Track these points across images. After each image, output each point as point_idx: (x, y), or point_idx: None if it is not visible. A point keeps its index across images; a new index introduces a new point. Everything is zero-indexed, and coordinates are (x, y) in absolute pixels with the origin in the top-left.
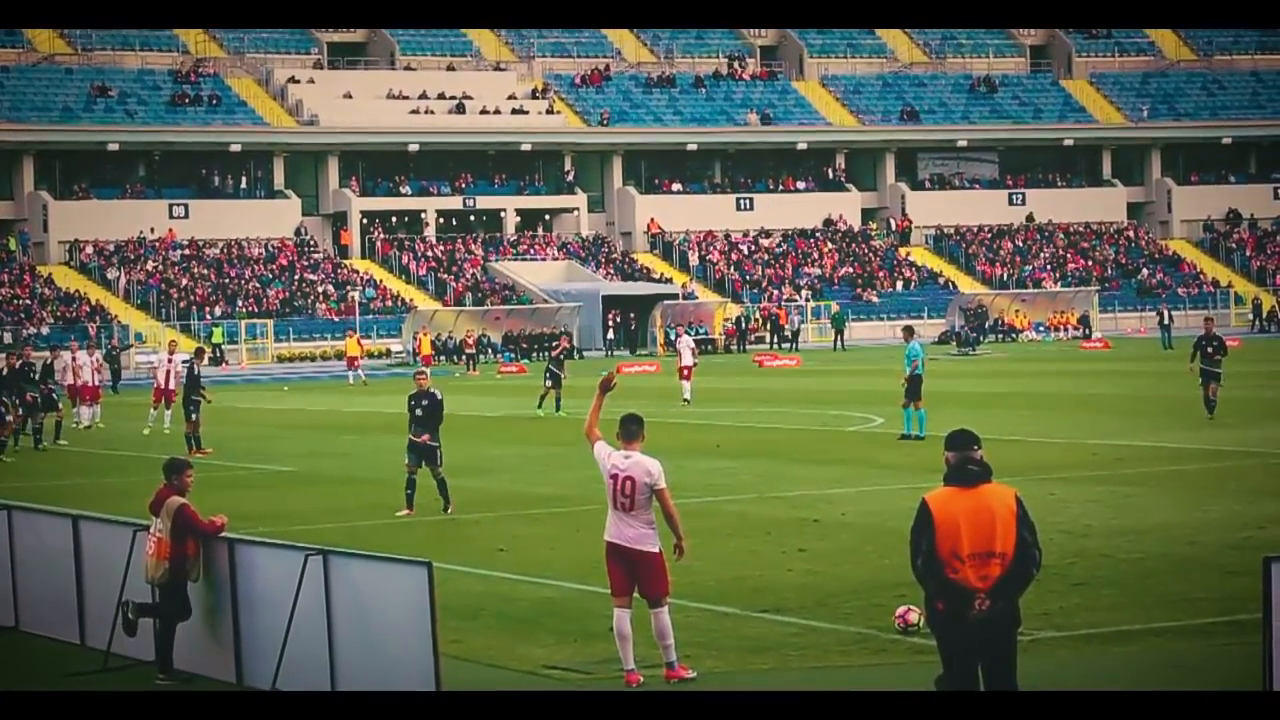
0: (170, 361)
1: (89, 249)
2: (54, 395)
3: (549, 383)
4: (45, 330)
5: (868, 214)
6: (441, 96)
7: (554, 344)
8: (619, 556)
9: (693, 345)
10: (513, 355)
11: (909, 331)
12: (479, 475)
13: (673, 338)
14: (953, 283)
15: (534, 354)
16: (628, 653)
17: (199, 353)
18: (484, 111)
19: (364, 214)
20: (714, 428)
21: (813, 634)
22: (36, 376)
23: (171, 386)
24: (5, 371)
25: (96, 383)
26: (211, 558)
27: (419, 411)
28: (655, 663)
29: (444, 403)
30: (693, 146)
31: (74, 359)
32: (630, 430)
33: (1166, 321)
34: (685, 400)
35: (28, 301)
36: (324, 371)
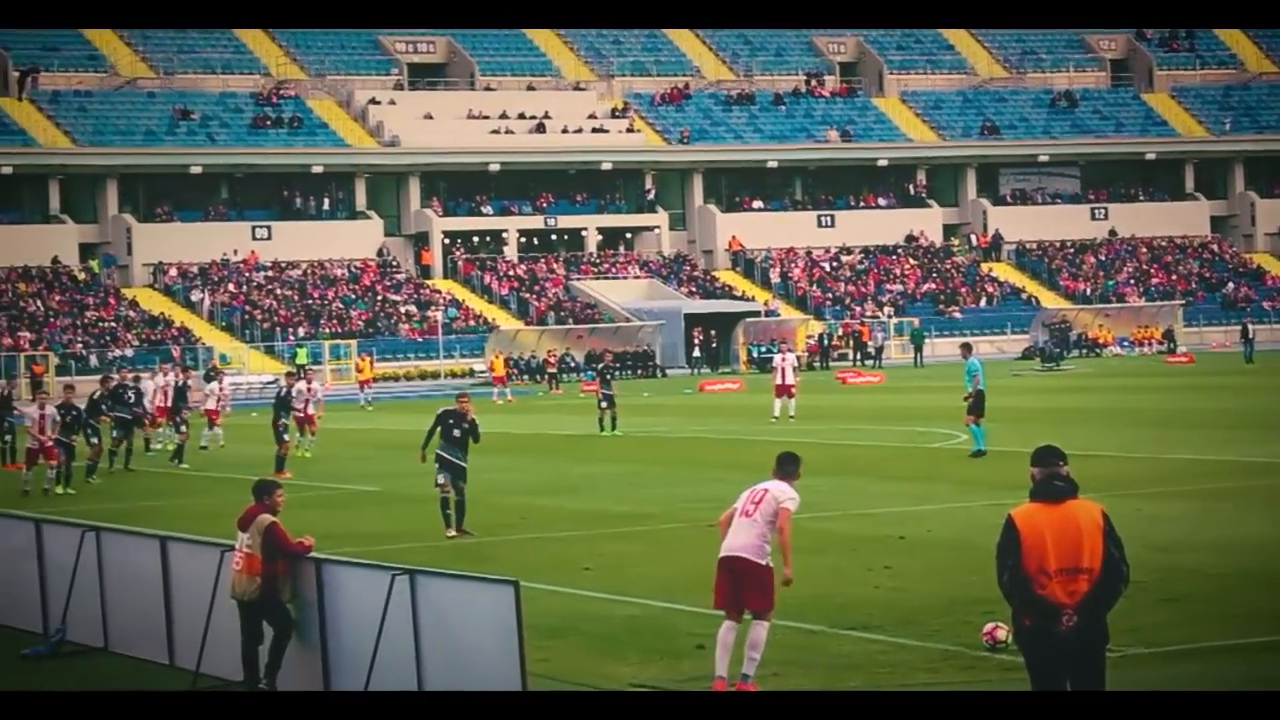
0: (221, 387)
1: (173, 271)
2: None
3: (603, 404)
4: (130, 353)
5: (949, 230)
6: (522, 116)
7: (599, 363)
8: (730, 570)
9: (795, 363)
10: (595, 374)
11: (966, 348)
12: (563, 494)
13: (776, 358)
14: (1035, 298)
15: (616, 372)
16: (723, 661)
17: (290, 375)
18: (564, 131)
19: (446, 234)
20: (797, 445)
21: (900, 651)
22: (132, 399)
23: (216, 408)
24: (98, 394)
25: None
26: (299, 578)
27: (456, 432)
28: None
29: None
30: (773, 164)
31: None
32: (786, 469)
33: (1250, 335)
34: (774, 418)
35: (112, 324)
36: (409, 391)
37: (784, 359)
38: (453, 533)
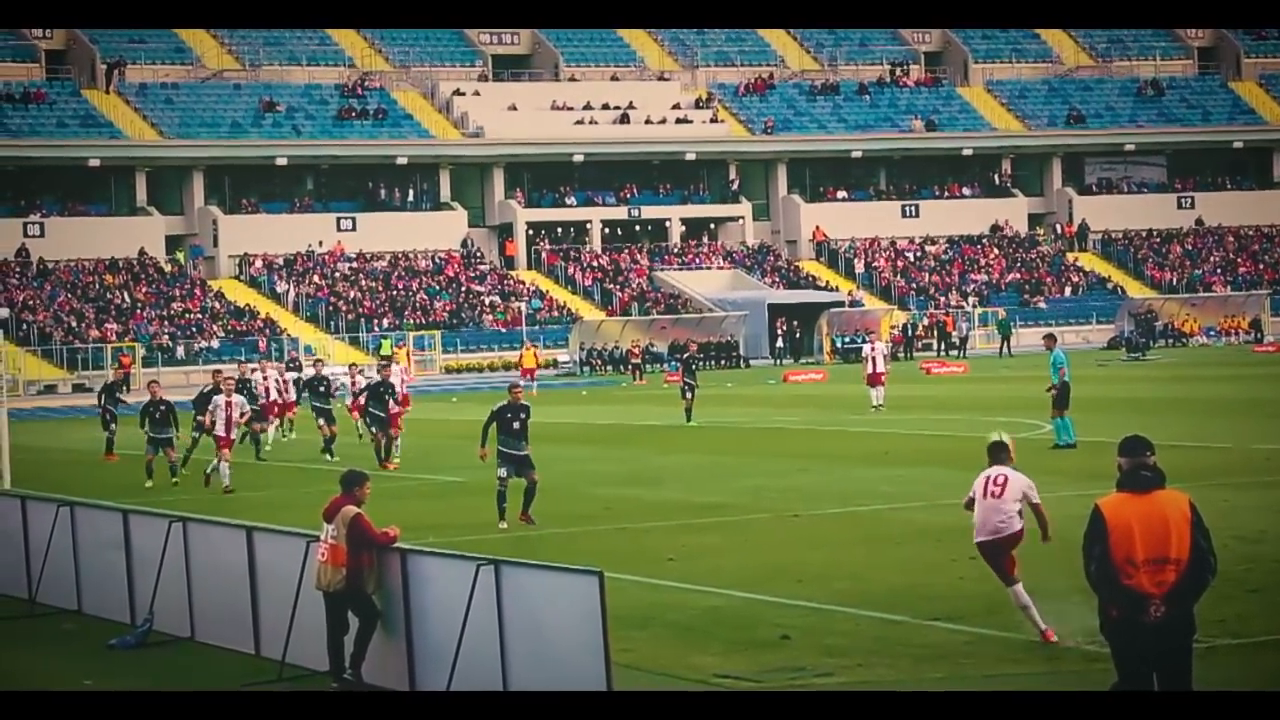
0: (283, 378)
1: (258, 263)
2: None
3: (687, 394)
4: (216, 344)
5: (1034, 219)
6: (606, 107)
7: (684, 353)
8: (992, 550)
9: (885, 352)
10: (679, 365)
11: (1051, 339)
12: (646, 485)
13: (865, 347)
14: (1121, 288)
15: (700, 363)
16: (1035, 617)
17: (383, 365)
18: (648, 121)
19: (529, 225)
20: (883, 435)
21: (985, 642)
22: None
23: (285, 399)
24: (209, 389)
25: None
26: (384, 568)
27: (516, 425)
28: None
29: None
30: (857, 154)
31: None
32: (1000, 456)
33: None
34: (875, 407)
35: (198, 316)
36: (491, 382)
37: (874, 348)
38: (504, 525)
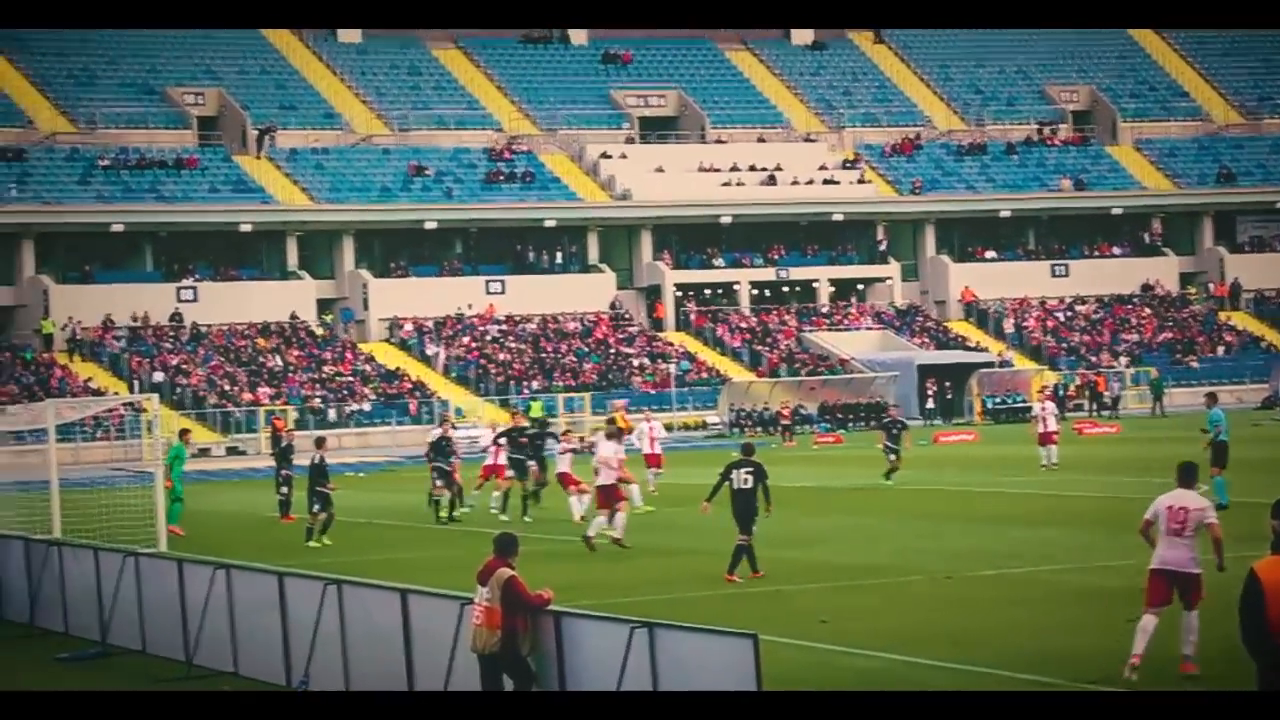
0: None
1: (408, 326)
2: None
3: (891, 456)
4: (367, 407)
5: (1185, 278)
6: (753, 168)
7: (884, 416)
8: (1164, 577)
9: (1056, 411)
10: (829, 425)
11: (1211, 398)
12: (798, 546)
13: (1037, 407)
14: (1275, 346)
15: (849, 424)
16: (1142, 643)
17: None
18: (795, 182)
19: (677, 286)
20: (1033, 497)
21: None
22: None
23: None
24: (318, 460)
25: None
26: (539, 631)
27: (749, 481)
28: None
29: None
30: (1006, 213)
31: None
32: (1188, 479)
33: None
34: (1047, 465)
35: (350, 379)
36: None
37: (1044, 407)
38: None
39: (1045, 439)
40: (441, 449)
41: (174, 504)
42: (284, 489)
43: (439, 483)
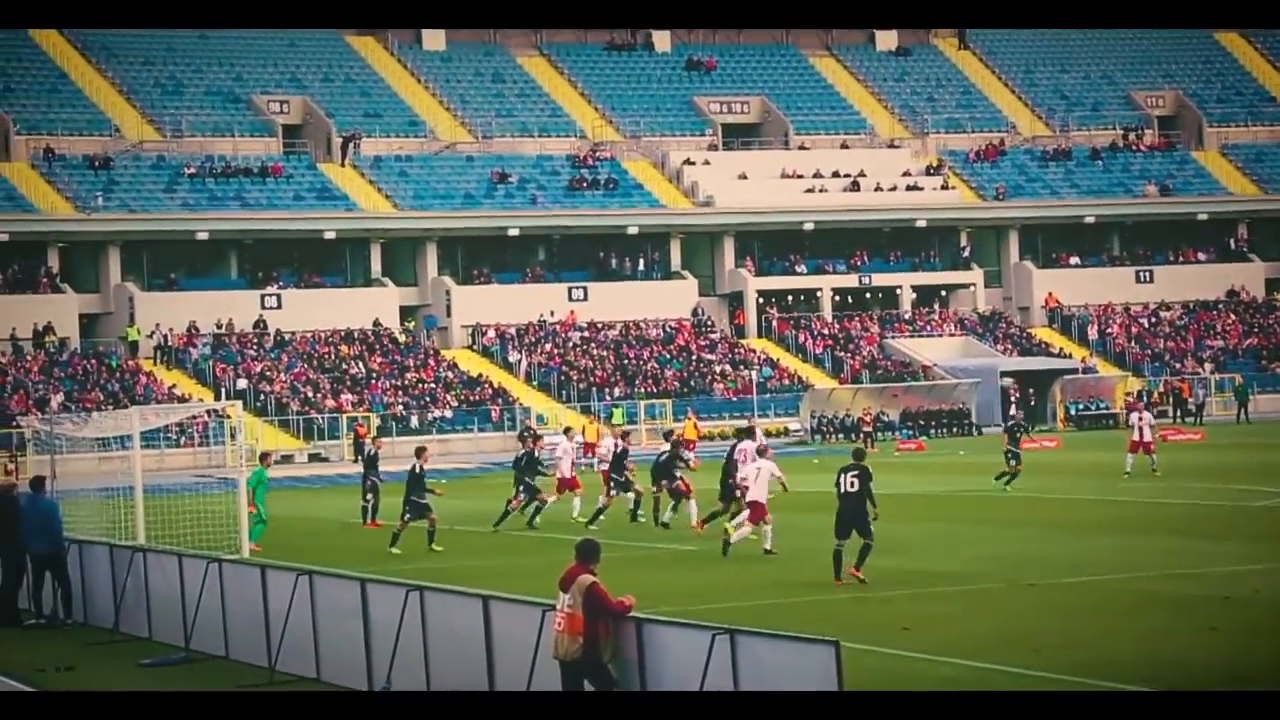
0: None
1: (490, 332)
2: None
3: (1012, 460)
4: (449, 414)
5: (1272, 284)
6: (836, 175)
7: (1010, 419)
8: None
9: (1152, 421)
10: (911, 432)
11: None
12: (881, 553)
13: (1133, 416)
14: None
15: (931, 430)
16: None
17: (625, 435)
18: (878, 189)
19: (760, 293)
20: (1117, 503)
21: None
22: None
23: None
24: (418, 469)
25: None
26: (620, 637)
27: (854, 485)
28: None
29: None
30: (1090, 219)
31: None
32: None
33: None
34: (1127, 473)
35: (432, 385)
36: (718, 450)
37: (1141, 417)
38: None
39: (1136, 446)
40: (529, 464)
41: (257, 524)
42: (369, 496)
43: (522, 495)
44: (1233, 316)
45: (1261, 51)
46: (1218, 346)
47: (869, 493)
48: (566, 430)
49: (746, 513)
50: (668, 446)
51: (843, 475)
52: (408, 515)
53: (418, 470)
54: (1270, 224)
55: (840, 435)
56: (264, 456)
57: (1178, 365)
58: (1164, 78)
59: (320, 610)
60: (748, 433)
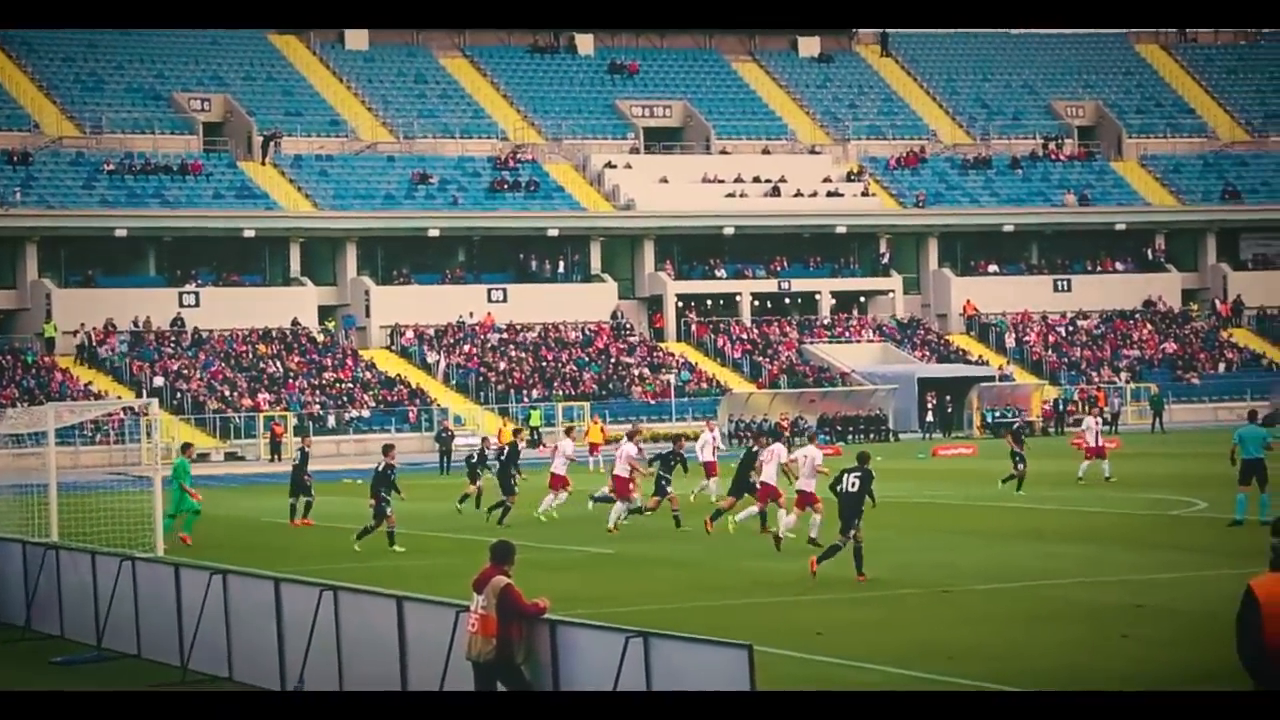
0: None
1: (409, 333)
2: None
3: (1020, 465)
4: (367, 414)
5: (1188, 295)
6: (756, 180)
7: (1014, 422)
8: None
9: (1097, 427)
10: (828, 438)
11: (1251, 415)
12: (796, 558)
13: (1087, 419)
14: (1277, 365)
15: (849, 436)
16: None
17: (516, 433)
18: (799, 194)
19: (679, 297)
20: (1034, 511)
21: None
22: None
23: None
24: (381, 467)
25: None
26: (534, 639)
27: (854, 486)
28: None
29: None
30: (1009, 228)
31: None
32: None
33: None
34: (1105, 478)
35: (350, 385)
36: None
37: (1096, 421)
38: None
39: (1092, 453)
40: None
41: (191, 515)
42: (300, 495)
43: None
44: (1149, 326)
45: (1181, 63)
46: (1134, 356)
47: (870, 493)
48: (569, 430)
49: (755, 506)
50: (668, 446)
51: (846, 475)
52: (376, 514)
53: (383, 469)
54: (1187, 235)
55: (749, 441)
56: (185, 448)
57: (1094, 374)
58: (1084, 88)
59: (233, 609)
60: (774, 434)
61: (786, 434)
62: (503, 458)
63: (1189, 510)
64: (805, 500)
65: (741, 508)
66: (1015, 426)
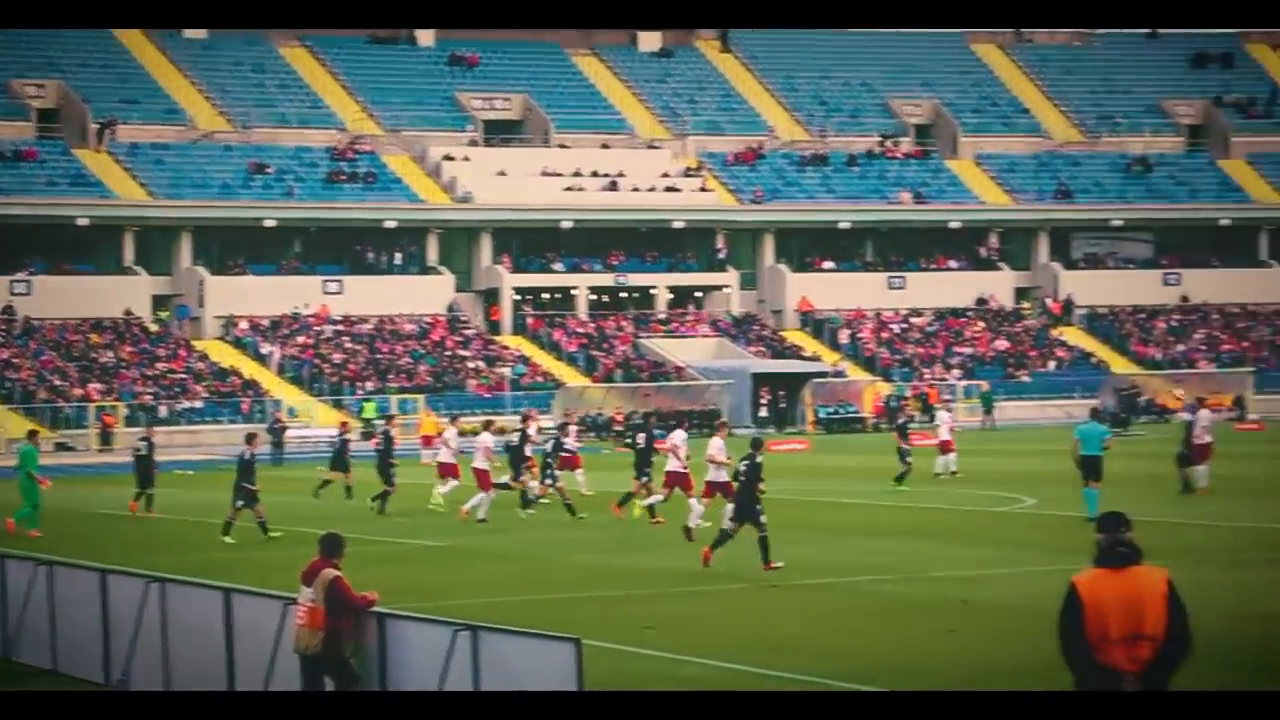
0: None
1: (244, 324)
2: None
3: (909, 460)
4: (199, 404)
5: (1020, 293)
6: (595, 174)
7: (899, 416)
8: None
9: (950, 422)
10: (663, 432)
11: (1093, 412)
12: (626, 552)
13: (941, 414)
14: (1105, 363)
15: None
16: None
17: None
18: (637, 189)
19: (516, 290)
20: (862, 507)
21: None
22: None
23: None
24: (248, 456)
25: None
26: (362, 632)
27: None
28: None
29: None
30: (845, 225)
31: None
32: None
33: None
34: (950, 473)
35: (183, 376)
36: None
37: (950, 416)
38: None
39: (944, 447)
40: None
41: (28, 509)
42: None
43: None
44: (981, 324)
45: (1017, 63)
46: (966, 353)
47: (757, 480)
48: (487, 424)
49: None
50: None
51: (740, 464)
52: (240, 504)
53: (248, 457)
54: (1021, 234)
55: (593, 434)
56: (32, 435)
57: (926, 371)
58: (921, 86)
59: (59, 601)
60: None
61: (621, 427)
62: (380, 449)
63: (1017, 507)
64: (715, 490)
65: (648, 494)
66: (901, 422)
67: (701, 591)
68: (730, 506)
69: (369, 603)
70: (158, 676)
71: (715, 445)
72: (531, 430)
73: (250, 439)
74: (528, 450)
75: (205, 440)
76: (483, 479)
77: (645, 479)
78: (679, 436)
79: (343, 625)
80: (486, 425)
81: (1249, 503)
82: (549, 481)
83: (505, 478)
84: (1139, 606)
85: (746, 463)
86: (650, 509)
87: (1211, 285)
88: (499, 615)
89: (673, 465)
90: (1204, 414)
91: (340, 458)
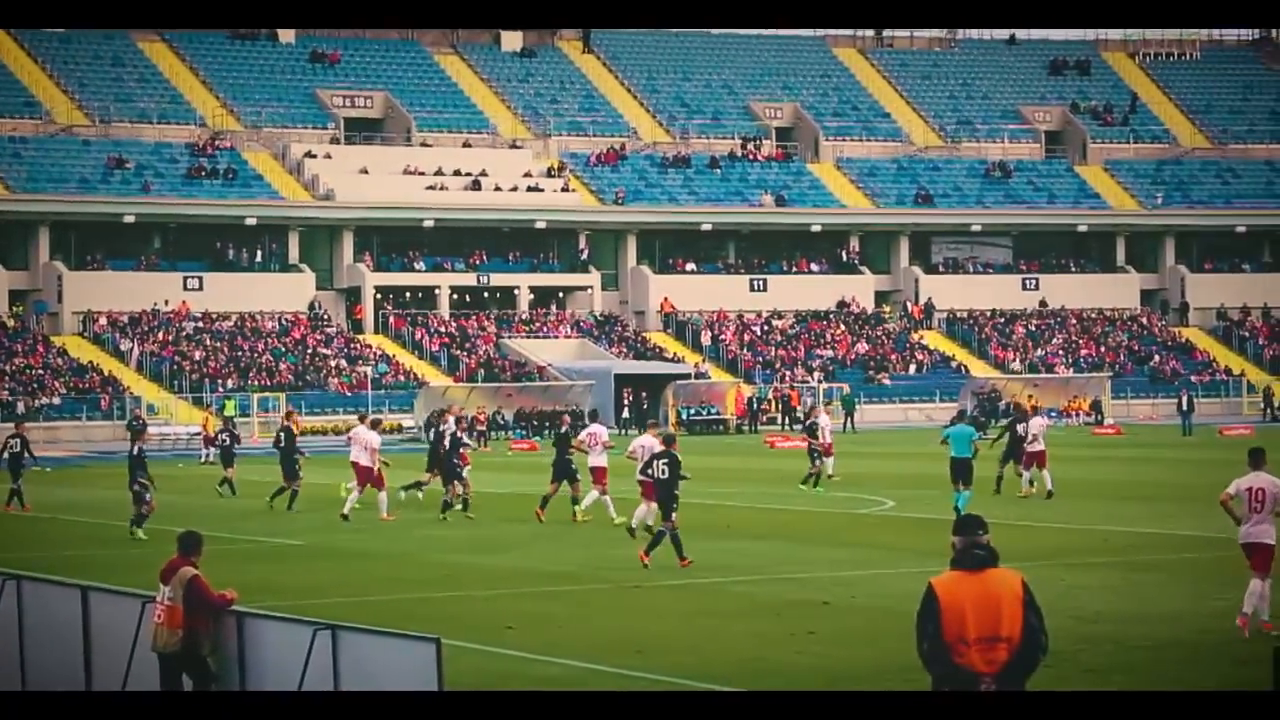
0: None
1: (103, 320)
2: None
3: (819, 462)
4: (57, 401)
5: (881, 297)
6: (457, 173)
7: (808, 418)
8: (1254, 551)
9: (830, 425)
10: (524, 432)
11: (960, 415)
12: (488, 552)
13: (820, 420)
14: (965, 366)
15: (545, 431)
16: (1249, 603)
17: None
18: (499, 189)
19: (378, 289)
20: (724, 508)
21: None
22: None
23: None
24: (137, 452)
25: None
26: (221, 631)
27: (666, 470)
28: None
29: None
30: (707, 227)
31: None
32: (1258, 462)
33: (1185, 408)
34: (830, 476)
35: (40, 372)
36: (335, 446)
37: (829, 420)
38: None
39: (827, 450)
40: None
41: None
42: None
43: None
44: (842, 327)
45: (877, 67)
46: (827, 356)
47: (678, 474)
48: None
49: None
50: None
51: (655, 462)
52: (145, 495)
53: (137, 452)
54: (881, 237)
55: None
56: None
57: (788, 374)
58: (783, 89)
59: None
60: (592, 415)
61: (484, 428)
62: (282, 445)
63: (877, 509)
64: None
65: (581, 496)
66: (808, 423)
67: (562, 592)
68: (653, 505)
69: (227, 601)
70: (15, 676)
71: (644, 442)
72: (452, 426)
73: (137, 434)
74: (446, 445)
75: (64, 437)
76: (363, 474)
77: (561, 482)
78: (601, 430)
79: (201, 624)
80: (366, 419)
81: (1103, 506)
82: (456, 480)
83: (426, 476)
84: (995, 609)
85: (665, 460)
86: (572, 503)
87: (1069, 290)
88: (361, 615)
89: (597, 460)
90: (1036, 421)
91: (227, 453)
